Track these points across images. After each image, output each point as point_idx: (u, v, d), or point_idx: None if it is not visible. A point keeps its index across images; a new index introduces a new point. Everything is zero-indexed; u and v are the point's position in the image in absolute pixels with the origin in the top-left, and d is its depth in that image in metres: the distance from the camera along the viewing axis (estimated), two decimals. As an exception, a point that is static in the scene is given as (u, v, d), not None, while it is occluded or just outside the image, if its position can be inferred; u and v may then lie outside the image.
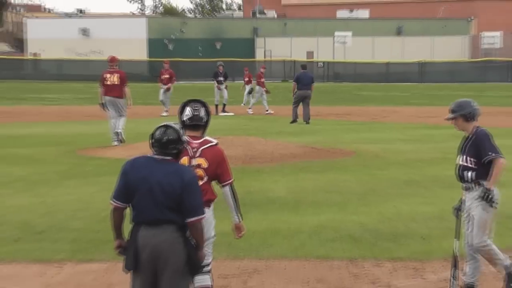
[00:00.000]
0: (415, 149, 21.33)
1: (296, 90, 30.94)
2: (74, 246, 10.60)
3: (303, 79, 31.08)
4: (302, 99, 30.46)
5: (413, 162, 18.82)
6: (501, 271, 8.31)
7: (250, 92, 40.50)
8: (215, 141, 7.37)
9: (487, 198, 7.98)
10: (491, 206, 8.05)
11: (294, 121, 30.16)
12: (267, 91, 36.76)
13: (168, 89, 34.24)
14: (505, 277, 8.29)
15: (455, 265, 8.38)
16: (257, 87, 37.06)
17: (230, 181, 7.37)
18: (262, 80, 36.90)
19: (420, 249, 10.46)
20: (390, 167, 18.13)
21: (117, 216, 6.51)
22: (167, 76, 34.58)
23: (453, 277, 8.36)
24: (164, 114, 32.51)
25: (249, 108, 36.55)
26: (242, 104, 39.50)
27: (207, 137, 7.41)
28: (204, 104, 7.48)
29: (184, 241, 6.37)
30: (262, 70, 38.84)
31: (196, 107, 7.39)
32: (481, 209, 8.06)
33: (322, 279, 9.14)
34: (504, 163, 8.03)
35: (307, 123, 29.69)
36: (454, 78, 69.01)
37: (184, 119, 7.32)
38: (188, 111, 7.36)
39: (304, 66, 34.71)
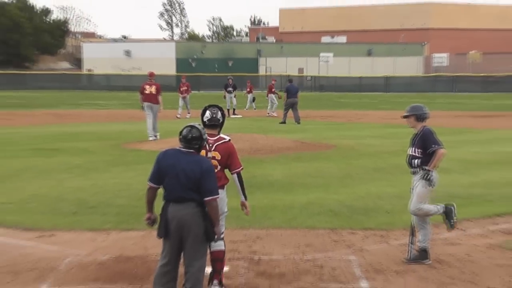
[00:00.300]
0: (381, 144, 21.29)
1: (286, 99, 31.08)
2: (118, 218, 10.61)
3: (291, 90, 31.21)
4: (291, 105, 30.57)
5: (380, 153, 18.78)
6: (420, 243, 8.38)
7: (253, 100, 40.86)
8: (228, 138, 7.37)
9: (426, 177, 8.14)
10: (430, 185, 8.18)
11: (283, 122, 30.14)
12: (279, 97, 36.84)
13: (184, 98, 34.31)
14: (444, 218, 8.42)
15: (412, 233, 8.44)
16: (271, 95, 36.99)
17: (238, 169, 7.34)
18: (273, 90, 36.98)
19: (386, 221, 10.44)
20: (362, 157, 18.09)
21: (151, 194, 6.59)
22: (185, 88, 34.74)
23: (410, 243, 8.42)
24: (188, 116, 32.59)
25: (273, 112, 36.35)
26: (245, 109, 39.84)
27: (221, 135, 7.41)
28: (220, 109, 7.50)
29: (203, 215, 6.41)
30: (273, 82, 38.97)
31: (214, 110, 7.40)
32: (421, 186, 8.22)
33: (309, 244, 9.12)
34: (444, 152, 8.18)
35: (298, 123, 29.66)
36: (411, 89, 68.78)
37: (205, 120, 7.34)
38: (208, 113, 7.38)
39: (290, 80, 34.86)
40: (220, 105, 7.71)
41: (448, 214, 8.34)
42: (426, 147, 8.21)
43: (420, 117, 8.40)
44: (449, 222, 8.37)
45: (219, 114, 7.42)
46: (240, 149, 17.05)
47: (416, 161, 8.30)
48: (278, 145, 19.79)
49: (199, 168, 6.40)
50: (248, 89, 41.58)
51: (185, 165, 6.41)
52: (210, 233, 6.47)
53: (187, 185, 6.36)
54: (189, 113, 33.55)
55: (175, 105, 34.52)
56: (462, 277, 7.82)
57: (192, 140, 6.51)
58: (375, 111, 41.38)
